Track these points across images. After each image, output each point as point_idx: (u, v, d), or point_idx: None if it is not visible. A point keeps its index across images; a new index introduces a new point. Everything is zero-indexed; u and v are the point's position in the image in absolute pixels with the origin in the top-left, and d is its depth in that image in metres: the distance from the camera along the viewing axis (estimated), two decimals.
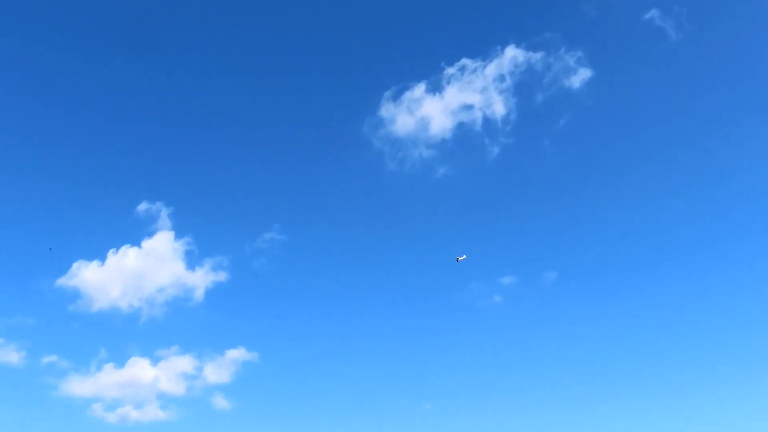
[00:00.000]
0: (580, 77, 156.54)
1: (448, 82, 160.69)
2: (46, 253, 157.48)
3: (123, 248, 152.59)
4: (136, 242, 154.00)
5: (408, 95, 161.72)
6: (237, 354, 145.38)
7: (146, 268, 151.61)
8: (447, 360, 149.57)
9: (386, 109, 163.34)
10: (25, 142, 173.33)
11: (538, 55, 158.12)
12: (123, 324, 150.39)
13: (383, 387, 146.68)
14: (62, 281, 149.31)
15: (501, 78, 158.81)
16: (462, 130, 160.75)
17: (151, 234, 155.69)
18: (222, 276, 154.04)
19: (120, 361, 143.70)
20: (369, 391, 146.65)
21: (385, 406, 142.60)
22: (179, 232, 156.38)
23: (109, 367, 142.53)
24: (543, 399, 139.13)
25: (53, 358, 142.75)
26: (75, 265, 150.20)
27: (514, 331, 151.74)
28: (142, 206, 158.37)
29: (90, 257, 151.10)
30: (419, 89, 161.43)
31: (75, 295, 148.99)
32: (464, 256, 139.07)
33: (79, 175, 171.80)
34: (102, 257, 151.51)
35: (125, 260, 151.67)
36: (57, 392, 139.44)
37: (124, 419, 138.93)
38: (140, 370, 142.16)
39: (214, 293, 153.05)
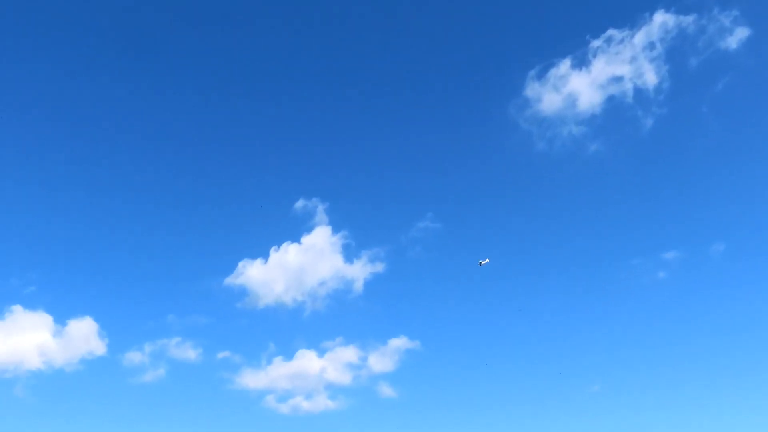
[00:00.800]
0: (736, 37, 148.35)
1: (595, 55, 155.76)
2: (214, 254, 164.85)
3: (284, 245, 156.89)
4: (296, 239, 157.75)
5: (553, 72, 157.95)
6: (399, 343, 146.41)
7: (307, 263, 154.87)
8: (612, 340, 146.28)
9: (531, 89, 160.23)
10: (194, 151, 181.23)
11: (689, 18, 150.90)
12: (288, 318, 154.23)
13: (546, 370, 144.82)
14: (230, 280, 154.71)
15: (651, 46, 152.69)
16: (612, 103, 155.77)
17: (309, 230, 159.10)
18: (379, 267, 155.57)
19: (288, 354, 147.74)
20: (532, 374, 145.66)
21: (549, 389, 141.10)
22: (336, 227, 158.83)
23: (278, 360, 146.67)
24: (714, 379, 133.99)
25: (227, 353, 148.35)
26: (240, 264, 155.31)
27: (680, 309, 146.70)
28: (300, 203, 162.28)
29: (254, 256, 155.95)
30: (564, 65, 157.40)
31: (242, 292, 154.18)
32: (487, 260, 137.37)
33: (240, 178, 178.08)
34: (265, 255, 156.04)
35: (287, 257, 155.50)
36: (232, 386, 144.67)
37: (296, 409, 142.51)
38: (308, 361, 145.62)
39: (372, 284, 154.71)
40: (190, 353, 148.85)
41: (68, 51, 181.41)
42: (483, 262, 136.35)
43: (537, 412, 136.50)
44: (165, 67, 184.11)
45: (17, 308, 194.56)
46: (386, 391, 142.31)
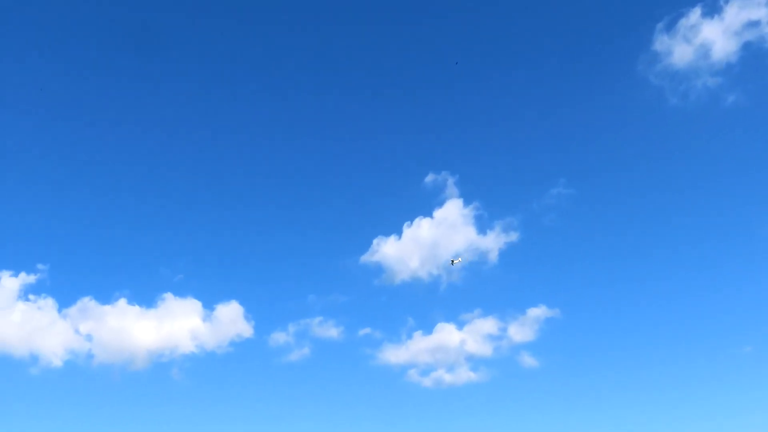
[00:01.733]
0: None
1: (727, 1, 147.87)
2: (350, 233, 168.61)
3: (416, 220, 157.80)
4: (428, 213, 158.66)
5: (683, 23, 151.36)
6: (538, 312, 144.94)
7: (440, 236, 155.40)
8: (765, 299, 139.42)
9: (660, 42, 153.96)
10: (328, 132, 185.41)
11: None
12: (426, 293, 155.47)
13: (695, 331, 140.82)
14: (366, 258, 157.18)
15: None
16: (749, 50, 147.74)
17: (441, 203, 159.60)
18: (513, 237, 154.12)
19: (427, 328, 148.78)
20: (678, 336, 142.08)
21: (699, 350, 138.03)
22: (467, 199, 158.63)
23: (418, 335, 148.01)
24: None
25: (367, 330, 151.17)
26: (375, 241, 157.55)
27: None
28: (429, 178, 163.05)
29: (387, 233, 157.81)
30: (694, 14, 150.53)
31: (378, 269, 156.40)
32: (459, 259, 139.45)
33: (370, 157, 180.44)
34: (398, 231, 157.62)
35: (420, 232, 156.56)
36: (375, 361, 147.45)
37: (439, 382, 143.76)
38: (447, 334, 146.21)
39: (507, 254, 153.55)
40: (332, 331, 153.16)
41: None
42: (456, 261, 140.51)
43: (688, 373, 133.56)
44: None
45: (168, 296, 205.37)
46: (528, 361, 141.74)
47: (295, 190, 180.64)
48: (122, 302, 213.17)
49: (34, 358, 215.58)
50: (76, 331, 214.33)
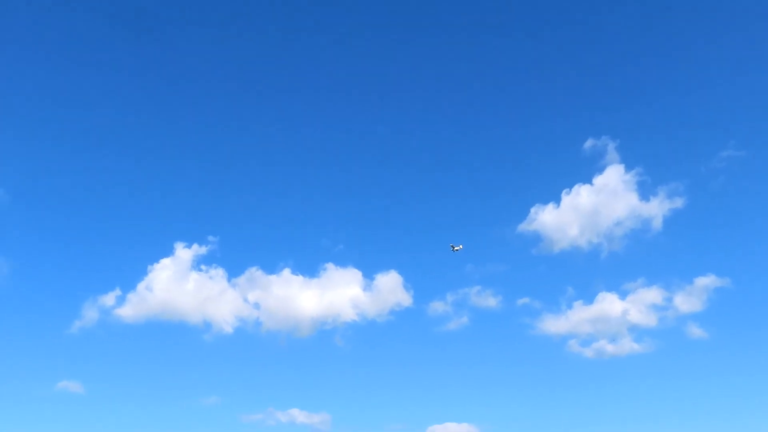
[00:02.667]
0: None
1: None
2: (506, 202, 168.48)
3: (575, 187, 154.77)
4: (587, 180, 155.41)
5: None
6: (707, 281, 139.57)
7: (600, 203, 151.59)
8: None
9: None
10: (486, 102, 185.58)
11: None
12: (585, 261, 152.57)
13: None
14: (523, 227, 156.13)
15: None
16: None
17: (600, 170, 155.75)
18: (679, 202, 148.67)
19: (588, 298, 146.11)
20: None
21: None
22: (629, 164, 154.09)
23: (578, 305, 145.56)
24: None
25: (526, 300, 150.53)
26: (532, 210, 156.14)
27: None
28: (589, 143, 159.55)
29: (545, 200, 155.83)
30: None
31: (536, 238, 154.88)
32: (461, 246, 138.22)
33: (527, 123, 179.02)
34: (556, 199, 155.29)
35: (579, 199, 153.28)
36: (534, 331, 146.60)
37: (601, 353, 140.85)
38: (609, 304, 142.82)
39: (672, 221, 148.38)
40: (490, 301, 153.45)
41: None
42: (456, 248, 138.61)
43: None
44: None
45: (330, 266, 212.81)
46: (695, 332, 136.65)
47: (453, 159, 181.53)
48: (287, 272, 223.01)
49: (207, 325, 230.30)
50: (245, 300, 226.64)
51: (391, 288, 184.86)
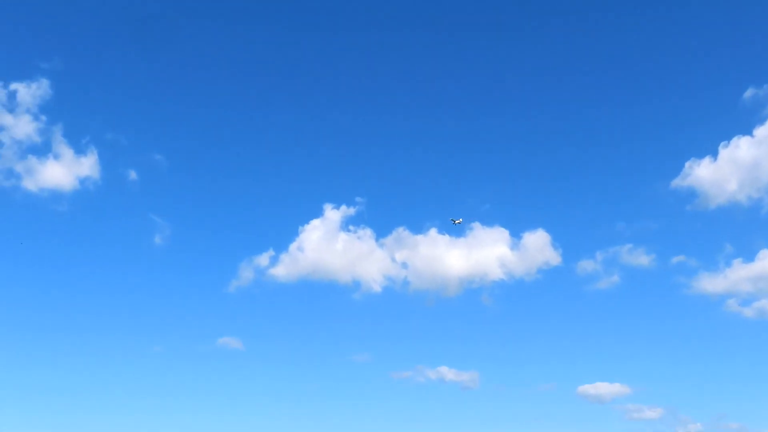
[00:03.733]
0: None
1: None
2: (659, 157, 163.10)
3: (734, 140, 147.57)
4: (746, 131, 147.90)
5: None
6: None
7: (761, 156, 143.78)
8: None
9: None
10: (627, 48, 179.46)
11: None
12: (745, 217, 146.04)
13: None
14: (676, 182, 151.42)
15: None
16: None
17: (762, 120, 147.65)
18: None
19: (748, 255, 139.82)
20: None
21: None
22: None
23: (737, 262, 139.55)
24: None
25: (681, 258, 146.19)
26: (687, 164, 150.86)
27: None
28: (749, 93, 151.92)
29: (700, 155, 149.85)
30: None
31: (691, 194, 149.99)
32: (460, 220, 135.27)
33: (683, 71, 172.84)
34: (713, 152, 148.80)
35: (738, 152, 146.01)
36: (689, 290, 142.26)
37: (762, 313, 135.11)
38: None
39: None
40: (642, 259, 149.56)
41: None
42: (457, 221, 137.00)
43: None
44: None
45: (476, 225, 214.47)
46: None
47: (600, 113, 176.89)
48: (433, 232, 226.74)
49: (356, 285, 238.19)
50: (393, 260, 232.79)
51: (539, 246, 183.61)
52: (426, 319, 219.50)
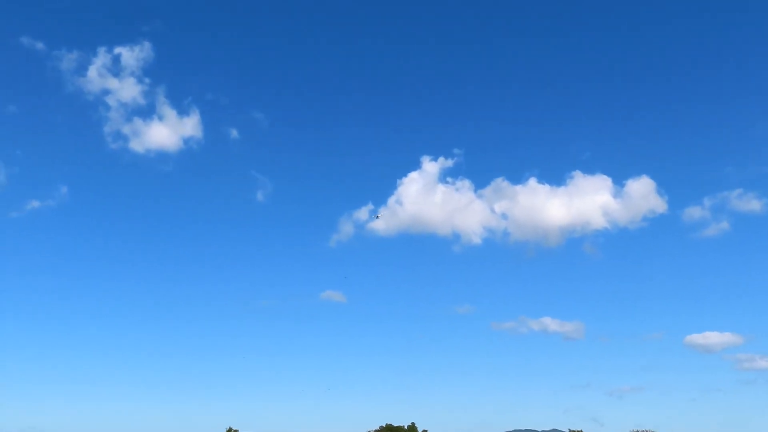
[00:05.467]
0: None
1: None
2: None
3: None
4: None
5: None
6: None
7: None
8: None
9: None
10: None
11: None
12: None
13: None
14: None
15: None
16: None
17: None
18: None
19: None
20: None
21: None
22: None
23: None
24: None
25: None
26: None
27: None
28: None
29: None
30: None
31: None
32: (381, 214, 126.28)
33: None
34: None
35: None
36: None
37: None
38: None
39: None
40: (753, 204, 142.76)
41: None
42: (379, 215, 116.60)
43: None
44: None
45: (577, 173, 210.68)
46: None
47: (709, 58, 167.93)
48: (532, 181, 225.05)
49: (456, 237, 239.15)
50: (492, 211, 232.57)
51: (643, 194, 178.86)
52: (527, 270, 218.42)
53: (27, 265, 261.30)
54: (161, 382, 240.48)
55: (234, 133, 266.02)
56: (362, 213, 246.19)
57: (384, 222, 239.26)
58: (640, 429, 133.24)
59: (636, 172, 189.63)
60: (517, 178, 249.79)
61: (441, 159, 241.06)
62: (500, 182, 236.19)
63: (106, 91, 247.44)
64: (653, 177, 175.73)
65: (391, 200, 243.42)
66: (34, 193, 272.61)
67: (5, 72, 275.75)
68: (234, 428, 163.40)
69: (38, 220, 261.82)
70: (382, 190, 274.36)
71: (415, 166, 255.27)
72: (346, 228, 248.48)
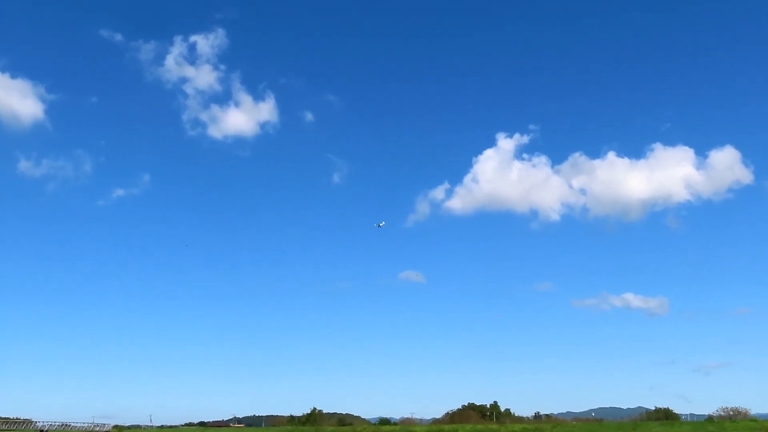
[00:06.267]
0: None
1: None
2: None
3: None
4: None
5: None
6: None
7: None
8: None
9: None
10: None
11: None
12: None
13: None
14: None
15: None
16: None
17: None
18: None
19: None
20: None
21: None
22: None
23: None
24: None
25: None
26: None
27: None
28: None
29: None
30: None
31: None
32: (383, 223, 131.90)
33: None
34: None
35: None
36: None
37: None
38: None
39: None
40: None
41: None
42: (380, 224, 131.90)
43: None
44: None
45: (657, 146, 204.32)
46: None
47: None
48: (611, 155, 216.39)
49: (534, 214, 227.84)
50: (570, 186, 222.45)
51: (727, 164, 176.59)
52: (608, 246, 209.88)
53: (116, 251, 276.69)
54: (246, 365, 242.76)
55: (309, 116, 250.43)
56: (438, 192, 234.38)
57: (460, 200, 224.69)
58: (729, 406, 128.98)
59: (719, 143, 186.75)
60: (595, 152, 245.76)
61: (516, 135, 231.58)
62: (578, 157, 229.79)
63: (184, 80, 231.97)
64: (738, 147, 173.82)
65: (467, 178, 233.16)
66: (119, 182, 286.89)
67: (87, 64, 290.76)
68: (318, 408, 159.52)
69: (123, 208, 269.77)
70: (457, 168, 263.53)
71: (491, 143, 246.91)
72: (423, 207, 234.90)
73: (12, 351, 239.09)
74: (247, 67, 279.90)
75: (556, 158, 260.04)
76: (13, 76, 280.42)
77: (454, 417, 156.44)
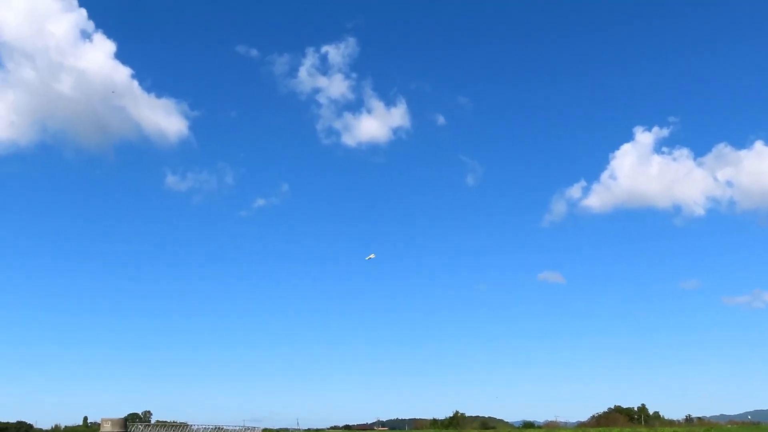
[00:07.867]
0: None
1: None
2: None
3: None
4: None
5: None
6: None
7: None
8: None
9: None
10: None
11: None
12: None
13: None
14: None
15: None
16: None
17: None
18: None
19: None
20: None
21: None
22: None
23: None
24: None
25: None
26: None
27: None
28: None
29: None
30: None
31: None
32: (372, 255, 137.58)
33: None
34: None
35: None
36: None
37: None
38: None
39: None
40: None
41: None
42: (370, 257, 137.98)
43: None
44: None
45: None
46: None
47: None
48: (759, 144, 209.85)
49: (677, 209, 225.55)
50: (714, 179, 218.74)
51: None
52: (759, 240, 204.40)
53: (259, 260, 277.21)
54: (390, 368, 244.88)
55: (440, 119, 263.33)
56: (575, 190, 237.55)
57: (598, 198, 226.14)
58: None
59: None
60: (740, 142, 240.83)
61: (655, 128, 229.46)
62: (722, 148, 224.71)
63: (317, 90, 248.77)
64: None
65: (604, 175, 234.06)
66: (260, 192, 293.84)
67: (225, 79, 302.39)
68: (461, 411, 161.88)
69: (264, 218, 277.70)
70: (593, 165, 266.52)
71: (628, 137, 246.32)
72: (559, 207, 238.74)
73: (166, 356, 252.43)
74: (377, 73, 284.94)
75: (699, 150, 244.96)
76: (159, 96, 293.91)
77: (600, 420, 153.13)
